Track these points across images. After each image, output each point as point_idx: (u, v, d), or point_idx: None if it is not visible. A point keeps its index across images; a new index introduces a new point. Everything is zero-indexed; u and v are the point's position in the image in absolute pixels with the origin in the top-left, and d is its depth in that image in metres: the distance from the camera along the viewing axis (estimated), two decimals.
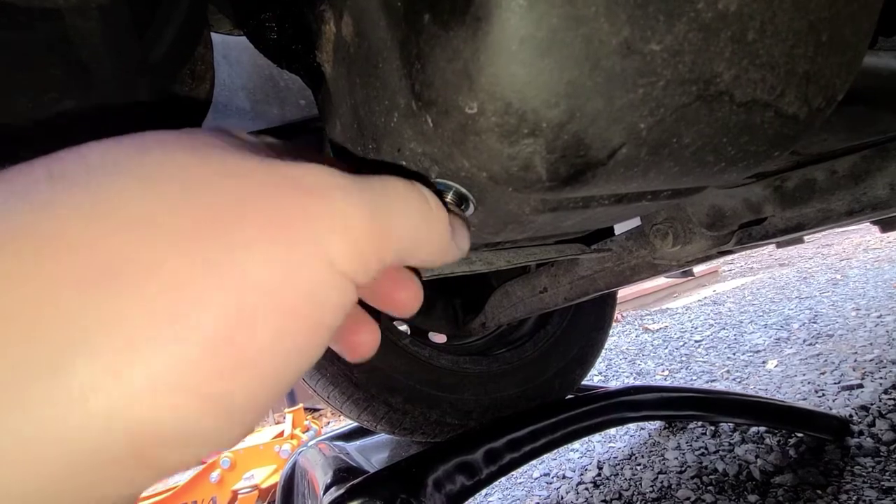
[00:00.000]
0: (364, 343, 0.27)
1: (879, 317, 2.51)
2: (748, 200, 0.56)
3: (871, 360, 1.94)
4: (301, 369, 0.17)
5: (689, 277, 4.87)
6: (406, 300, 0.27)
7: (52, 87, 0.31)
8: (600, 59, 0.20)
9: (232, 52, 0.68)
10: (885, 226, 0.93)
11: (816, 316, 2.85)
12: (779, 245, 0.77)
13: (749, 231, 0.58)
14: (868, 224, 1.29)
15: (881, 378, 1.74)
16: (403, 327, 1.23)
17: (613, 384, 2.55)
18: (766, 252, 6.04)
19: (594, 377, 2.78)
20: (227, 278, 0.15)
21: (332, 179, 0.18)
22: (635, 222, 0.71)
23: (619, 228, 0.80)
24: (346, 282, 0.18)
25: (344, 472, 0.93)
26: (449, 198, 0.30)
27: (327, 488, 0.87)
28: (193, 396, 0.15)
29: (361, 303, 0.27)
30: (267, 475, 2.30)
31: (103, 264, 0.14)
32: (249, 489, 2.20)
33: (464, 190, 0.32)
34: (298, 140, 0.67)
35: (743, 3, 0.23)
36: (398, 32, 0.24)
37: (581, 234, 0.53)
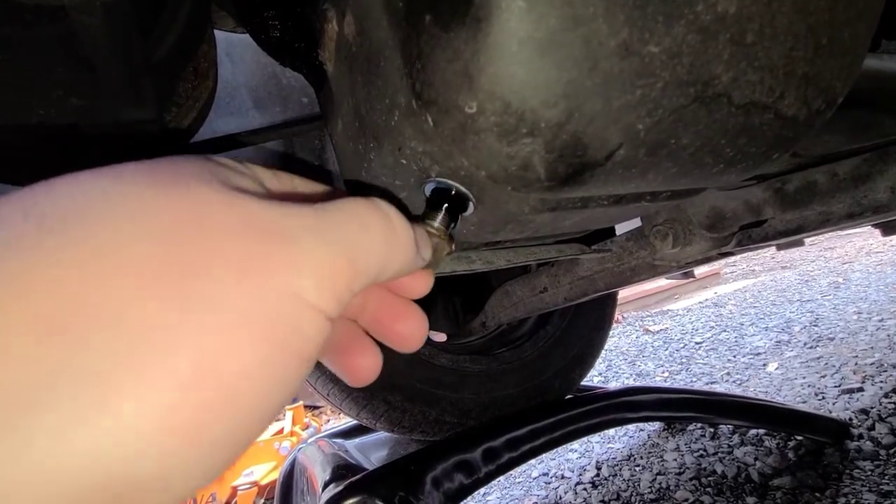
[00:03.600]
0: (364, 367, 0.28)
1: (881, 320, 2.50)
2: (748, 202, 0.56)
3: (871, 364, 1.94)
4: (280, 402, 0.18)
5: (691, 279, 4.87)
6: (406, 332, 0.28)
7: (58, 85, 0.32)
8: (599, 60, 0.20)
9: (235, 49, 0.68)
10: (887, 229, 0.93)
11: (818, 319, 2.85)
12: (779, 247, 0.77)
13: (749, 233, 0.58)
14: (870, 227, 1.29)
15: (882, 382, 1.73)
16: None
17: (613, 385, 2.55)
18: (768, 255, 6.03)
19: (594, 378, 2.78)
20: (197, 321, 0.15)
21: (301, 220, 0.19)
22: (636, 223, 0.71)
23: (620, 229, 0.80)
24: (318, 314, 0.18)
25: (343, 470, 0.93)
26: (437, 222, 0.30)
27: (326, 485, 0.88)
28: (170, 437, 0.15)
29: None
30: (266, 472, 2.31)
31: (70, 310, 0.14)
32: (248, 485, 2.21)
33: (463, 189, 0.32)
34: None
35: (742, 6, 0.23)
36: (399, 32, 0.24)
37: (581, 234, 0.53)
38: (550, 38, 0.19)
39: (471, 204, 0.33)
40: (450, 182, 0.32)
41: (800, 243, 0.75)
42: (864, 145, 0.64)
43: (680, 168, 0.28)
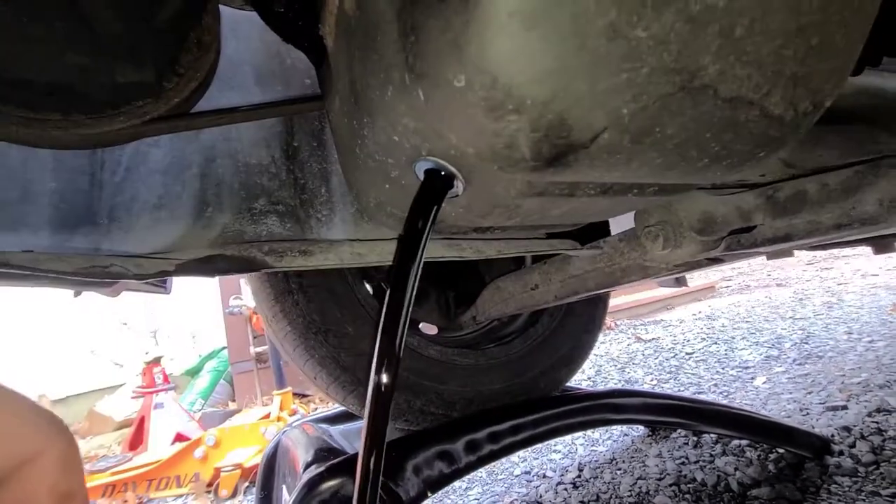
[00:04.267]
0: None
1: (871, 342, 2.52)
2: (740, 208, 0.57)
3: (858, 384, 1.95)
4: None
5: (685, 289, 4.88)
6: None
7: (57, 40, 0.32)
8: (586, 39, 0.20)
9: (241, 27, 0.68)
10: (879, 247, 0.94)
11: (808, 337, 2.86)
12: (769, 256, 0.78)
13: (738, 238, 0.59)
14: (867, 250, 1.30)
15: (866, 401, 1.75)
16: None
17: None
18: (764, 271, 6.05)
19: (583, 381, 2.79)
20: None
21: None
22: (629, 223, 0.71)
23: (614, 230, 0.81)
24: None
25: (325, 452, 0.94)
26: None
27: (307, 466, 0.88)
28: None
29: None
30: (251, 455, 2.31)
31: None
32: (232, 468, 2.22)
33: (452, 168, 0.32)
34: None
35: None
36: (396, 3, 0.25)
37: (572, 227, 0.53)
38: (539, 12, 0.20)
39: (460, 184, 0.34)
40: (440, 161, 0.32)
41: (789, 253, 0.76)
42: (858, 160, 0.64)
43: (665, 159, 0.28)
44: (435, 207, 0.34)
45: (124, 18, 0.31)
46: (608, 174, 0.29)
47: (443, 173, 0.33)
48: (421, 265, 0.34)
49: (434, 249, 0.56)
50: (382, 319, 0.33)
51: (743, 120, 0.28)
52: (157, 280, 0.62)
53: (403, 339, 0.32)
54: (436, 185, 0.33)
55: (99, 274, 0.42)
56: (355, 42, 0.31)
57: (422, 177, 0.34)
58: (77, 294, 0.69)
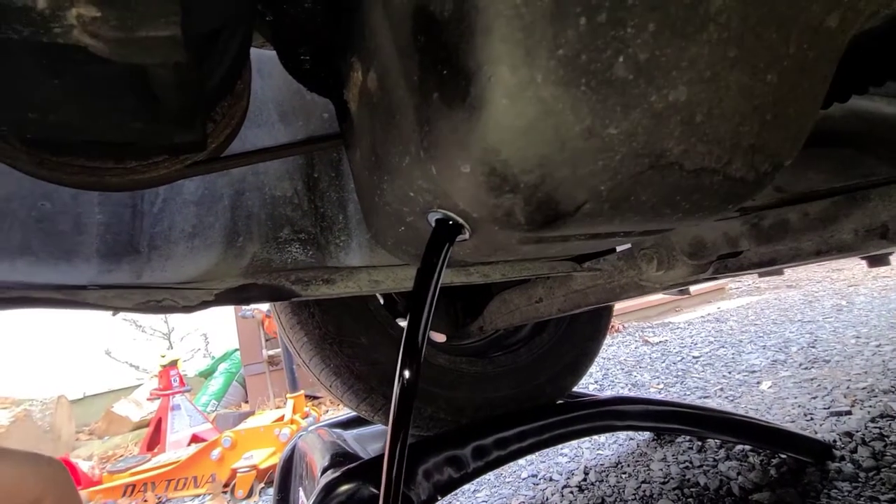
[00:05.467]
0: None
1: (878, 346, 2.52)
2: (727, 234, 0.61)
3: (863, 389, 1.97)
4: None
5: (694, 292, 4.88)
6: None
7: (124, 112, 0.38)
8: (566, 141, 0.25)
9: (265, 65, 0.74)
10: (873, 261, 0.97)
11: (816, 341, 2.87)
12: (760, 274, 0.82)
13: (726, 262, 0.63)
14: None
15: (870, 407, 1.77)
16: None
17: (608, 393, 2.60)
18: None
19: (590, 385, 2.83)
20: None
21: None
22: (626, 245, 0.76)
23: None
24: None
25: (341, 457, 0.99)
26: None
27: (324, 470, 0.94)
28: None
29: None
30: (265, 456, 2.38)
31: None
32: (248, 469, 2.29)
33: (460, 220, 0.37)
34: None
35: (692, 93, 0.28)
36: (414, 98, 0.30)
37: (568, 257, 0.58)
38: (528, 126, 0.25)
39: (467, 231, 0.39)
40: (449, 213, 0.37)
41: (778, 272, 0.80)
42: (845, 184, 0.68)
43: (642, 217, 0.33)
44: (447, 247, 0.39)
45: (184, 92, 0.37)
46: (594, 229, 0.34)
47: (451, 222, 0.38)
48: (436, 295, 0.39)
49: (444, 276, 0.61)
50: (404, 340, 0.38)
51: (708, 184, 0.33)
52: None
53: (422, 354, 0.37)
54: (446, 231, 0.39)
55: (154, 308, 0.48)
56: (377, 115, 0.36)
57: (434, 224, 0.40)
58: (115, 314, 0.76)
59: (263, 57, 0.74)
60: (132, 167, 0.48)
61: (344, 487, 0.85)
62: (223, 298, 0.53)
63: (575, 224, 0.32)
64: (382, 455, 0.96)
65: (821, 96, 0.36)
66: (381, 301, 1.18)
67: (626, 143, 0.27)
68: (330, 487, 0.86)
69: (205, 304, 0.52)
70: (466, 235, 0.39)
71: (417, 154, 0.32)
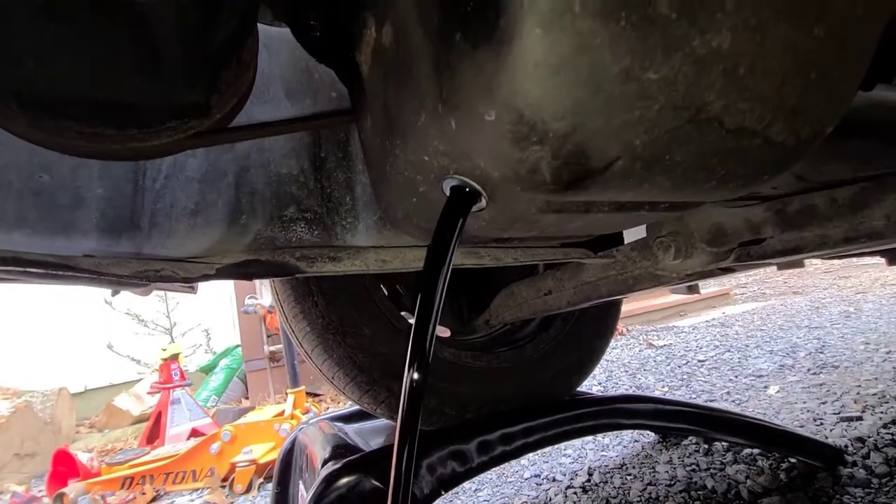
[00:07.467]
0: None
1: (888, 352, 2.48)
2: (749, 221, 0.59)
3: (874, 395, 1.93)
4: None
5: (699, 296, 4.84)
6: None
7: (124, 66, 0.36)
8: (602, 84, 0.23)
9: (273, 41, 0.72)
10: (892, 258, 0.95)
11: (824, 346, 2.83)
12: (779, 267, 0.79)
13: (748, 250, 0.61)
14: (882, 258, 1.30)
15: (882, 412, 1.73)
16: (412, 319, 1.27)
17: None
18: (781, 279, 5.96)
19: (593, 387, 2.79)
20: None
21: None
22: (641, 233, 0.74)
23: (627, 239, 0.83)
24: None
25: (342, 450, 0.97)
26: None
27: (325, 462, 0.92)
28: None
29: None
30: (265, 451, 2.36)
31: None
32: (247, 463, 2.27)
33: (477, 186, 0.35)
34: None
35: (735, 42, 0.26)
36: (432, 44, 0.28)
37: (586, 238, 0.56)
38: (561, 63, 0.22)
39: (483, 200, 0.36)
40: (465, 179, 0.35)
41: (799, 264, 0.77)
42: (869, 174, 0.66)
43: (674, 182, 0.31)
44: (461, 220, 0.37)
45: (186, 44, 0.35)
46: (621, 195, 0.32)
47: (467, 190, 0.36)
48: (449, 272, 0.37)
49: (455, 257, 0.59)
50: (415, 320, 0.36)
51: (747, 147, 0.30)
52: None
53: (433, 339, 0.35)
54: (461, 201, 0.36)
55: (152, 277, 0.46)
56: (391, 71, 0.34)
57: (448, 193, 0.37)
58: (115, 293, 0.74)
59: (271, 32, 0.72)
60: (133, 135, 0.46)
61: (345, 479, 0.83)
62: (225, 273, 0.51)
63: (602, 186, 0.29)
64: (384, 448, 0.94)
65: (865, 64, 0.34)
66: (385, 292, 1.16)
67: (665, 91, 0.25)
68: (331, 479, 0.84)
69: (205, 277, 0.50)
70: (483, 203, 0.37)
71: (435, 108, 0.30)
